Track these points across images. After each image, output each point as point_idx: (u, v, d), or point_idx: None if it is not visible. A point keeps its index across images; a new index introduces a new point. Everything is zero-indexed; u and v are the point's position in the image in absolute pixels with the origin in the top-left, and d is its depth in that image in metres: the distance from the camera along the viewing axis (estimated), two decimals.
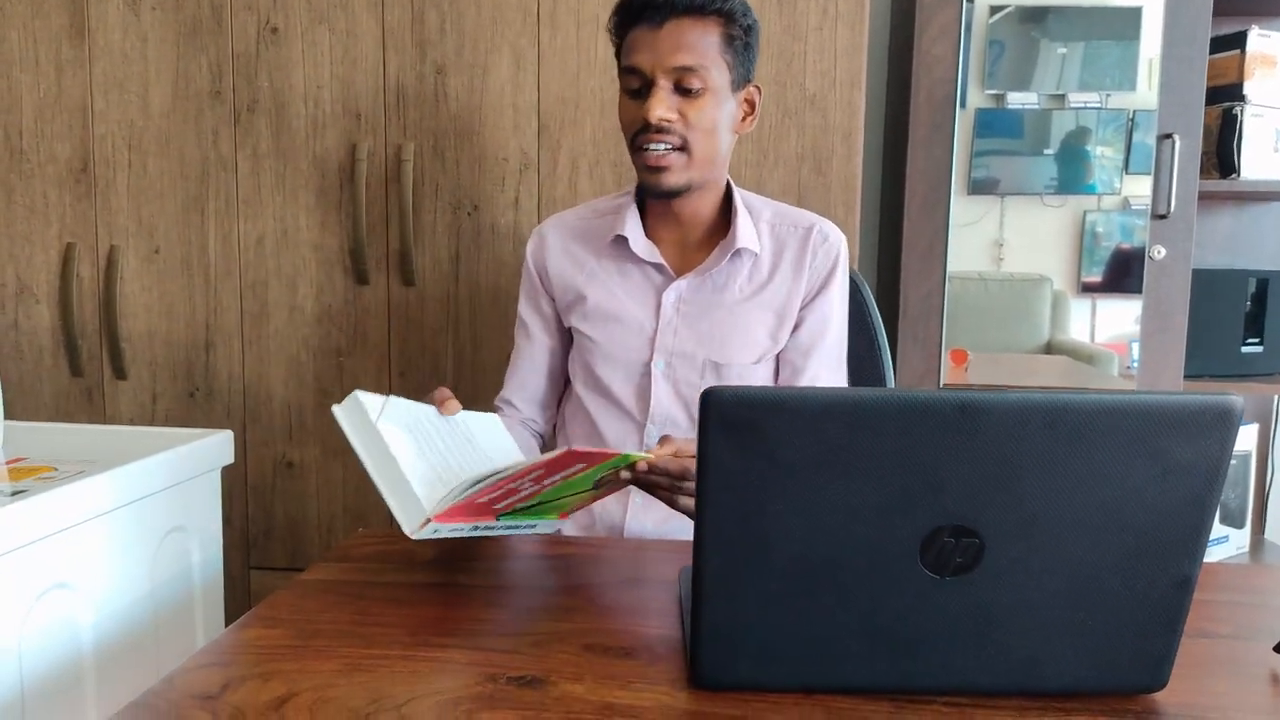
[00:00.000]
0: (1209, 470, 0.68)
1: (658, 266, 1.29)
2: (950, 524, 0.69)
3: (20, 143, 1.80)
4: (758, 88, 1.27)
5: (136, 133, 1.78)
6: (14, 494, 1.07)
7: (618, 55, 1.24)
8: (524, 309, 1.38)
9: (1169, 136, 1.82)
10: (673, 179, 1.21)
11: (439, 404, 1.03)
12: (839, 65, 1.66)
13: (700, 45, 1.18)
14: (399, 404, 0.97)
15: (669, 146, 1.19)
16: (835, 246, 1.30)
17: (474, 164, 1.73)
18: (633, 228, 1.28)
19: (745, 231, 1.26)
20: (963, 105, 1.92)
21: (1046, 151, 2.01)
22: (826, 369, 1.31)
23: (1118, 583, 0.71)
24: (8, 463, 1.22)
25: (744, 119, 1.27)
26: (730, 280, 1.28)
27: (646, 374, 1.28)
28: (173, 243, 1.80)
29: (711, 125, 1.20)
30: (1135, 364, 1.92)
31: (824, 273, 1.29)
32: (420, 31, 1.71)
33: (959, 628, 0.72)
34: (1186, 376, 1.89)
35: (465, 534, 0.94)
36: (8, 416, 1.31)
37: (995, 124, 2.00)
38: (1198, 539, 0.70)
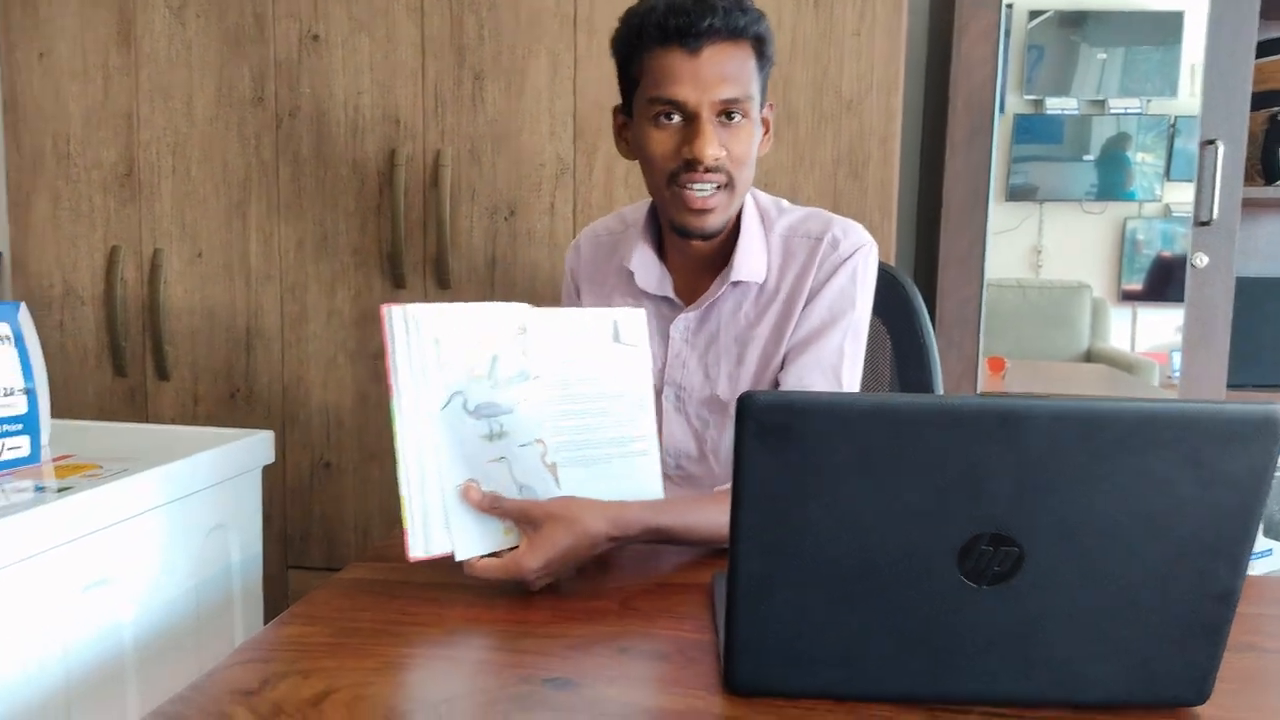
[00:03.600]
0: (1252, 481, 0.67)
1: (666, 299, 1.24)
2: (989, 531, 0.68)
3: (68, 148, 1.84)
4: (771, 105, 1.19)
5: (180, 138, 1.81)
6: (60, 490, 1.09)
7: (628, 74, 1.14)
8: None
9: (1212, 142, 1.79)
10: (716, 220, 1.13)
11: None
12: (876, 70, 1.65)
13: (742, 74, 1.09)
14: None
15: (716, 186, 1.10)
16: (844, 254, 1.18)
17: (511, 169, 1.74)
18: (640, 261, 1.22)
19: (745, 260, 1.18)
20: (1001, 110, 1.90)
21: (1086, 158, 1.98)
22: (819, 373, 1.17)
23: (1158, 594, 0.70)
24: (54, 460, 1.24)
25: (762, 139, 1.19)
26: (735, 310, 1.21)
27: (659, 405, 1.24)
28: (215, 246, 1.82)
29: (750, 155, 1.13)
30: (1176, 373, 1.89)
31: (823, 281, 1.18)
32: (459, 38, 1.73)
33: (997, 637, 0.71)
34: (1230, 386, 1.86)
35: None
36: (53, 416, 1.34)
37: (1034, 130, 1.98)
38: (1240, 551, 0.69)
